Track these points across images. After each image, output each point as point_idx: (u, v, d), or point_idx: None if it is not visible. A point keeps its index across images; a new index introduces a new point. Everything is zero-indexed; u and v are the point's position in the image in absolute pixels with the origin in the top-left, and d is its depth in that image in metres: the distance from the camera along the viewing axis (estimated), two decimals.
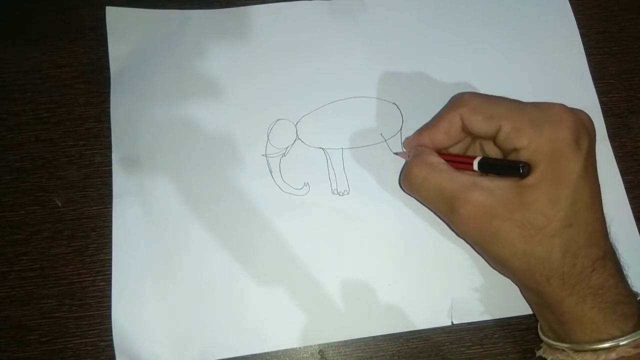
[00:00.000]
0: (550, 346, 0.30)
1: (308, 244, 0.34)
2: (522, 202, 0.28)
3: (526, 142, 0.28)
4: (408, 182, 0.32)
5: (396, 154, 0.36)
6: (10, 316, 0.33)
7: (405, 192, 0.34)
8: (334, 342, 0.33)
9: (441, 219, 0.33)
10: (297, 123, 0.36)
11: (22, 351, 0.33)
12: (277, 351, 0.33)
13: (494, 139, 0.30)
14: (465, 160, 0.31)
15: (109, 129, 0.36)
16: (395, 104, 0.37)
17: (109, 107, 0.36)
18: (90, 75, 0.37)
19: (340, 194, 0.35)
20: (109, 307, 0.33)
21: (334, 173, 0.35)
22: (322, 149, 0.36)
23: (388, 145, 0.36)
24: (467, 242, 0.32)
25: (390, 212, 0.35)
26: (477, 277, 0.34)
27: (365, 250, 0.34)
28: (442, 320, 0.33)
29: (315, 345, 0.33)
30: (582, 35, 0.39)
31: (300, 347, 0.33)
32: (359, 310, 0.33)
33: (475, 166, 0.30)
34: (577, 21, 0.40)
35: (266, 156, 0.36)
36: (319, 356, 0.33)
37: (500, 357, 0.33)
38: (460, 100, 0.31)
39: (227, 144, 0.36)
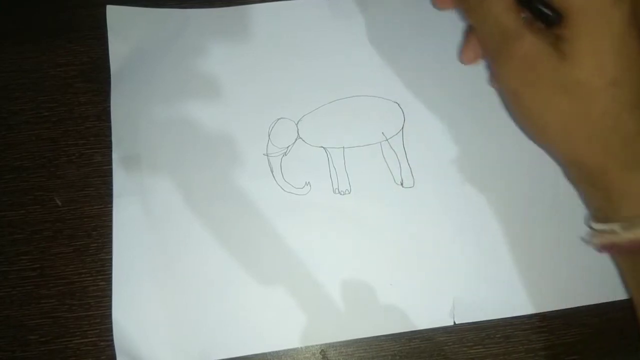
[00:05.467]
0: (598, 231, 0.29)
1: (309, 243, 0.34)
2: (563, 55, 0.26)
3: None
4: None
5: None
6: (10, 316, 0.33)
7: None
8: (336, 342, 0.33)
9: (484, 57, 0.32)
10: (298, 122, 0.36)
11: (22, 351, 0.33)
12: (279, 351, 0.32)
13: None
14: None
15: (110, 128, 0.36)
16: (396, 102, 0.37)
17: (110, 106, 0.36)
18: (91, 74, 0.37)
19: (342, 193, 0.35)
20: (109, 307, 0.33)
21: (335, 172, 0.35)
22: (324, 148, 0.36)
23: (390, 144, 0.36)
24: (503, 99, 0.32)
25: (392, 211, 0.35)
26: (479, 277, 0.34)
27: (367, 249, 0.34)
28: (444, 320, 0.33)
29: (316, 345, 0.33)
30: None
31: (301, 347, 0.33)
32: (360, 310, 0.33)
33: None
34: None
35: (267, 155, 0.36)
36: (321, 356, 0.33)
37: (502, 357, 0.33)
38: None
39: (228, 143, 0.36)
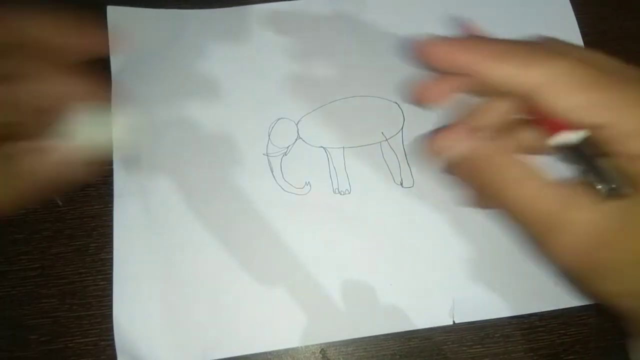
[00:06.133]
0: None
1: (309, 243, 0.34)
2: (637, 227, 0.20)
3: (635, 151, 0.20)
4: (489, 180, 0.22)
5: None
6: (11, 316, 0.33)
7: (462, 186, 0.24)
8: (335, 342, 0.33)
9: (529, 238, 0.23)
10: (298, 122, 0.36)
11: (22, 351, 0.33)
12: (279, 350, 0.33)
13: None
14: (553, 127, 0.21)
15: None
16: (396, 102, 0.37)
17: (110, 106, 0.36)
18: (91, 74, 0.37)
19: (342, 193, 0.35)
20: (110, 307, 0.33)
21: (335, 172, 0.35)
22: (323, 148, 0.36)
23: (389, 144, 0.36)
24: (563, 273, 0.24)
25: (392, 211, 0.35)
26: (478, 276, 0.34)
27: (367, 249, 0.34)
28: (443, 319, 0.33)
29: (316, 345, 0.33)
30: (583, 35, 0.39)
31: (301, 347, 0.33)
32: (360, 309, 0.33)
33: (556, 142, 0.21)
34: (577, 21, 0.40)
35: (267, 155, 0.36)
36: (320, 355, 0.33)
37: (501, 357, 0.33)
38: (548, 66, 0.20)
39: (228, 143, 0.36)
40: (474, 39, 0.22)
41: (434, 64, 0.22)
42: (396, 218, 0.34)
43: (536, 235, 0.22)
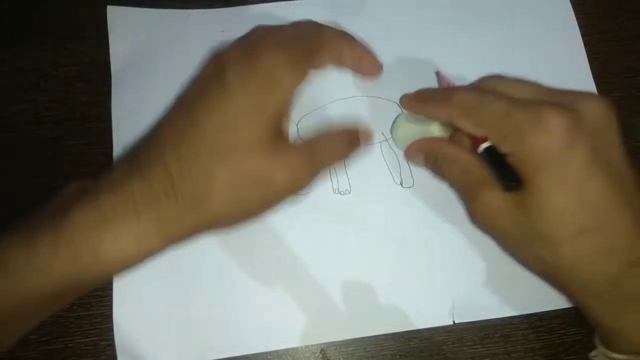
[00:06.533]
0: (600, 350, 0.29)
1: (309, 243, 0.34)
2: (524, 209, 0.27)
3: (511, 151, 0.27)
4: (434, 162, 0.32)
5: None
6: None
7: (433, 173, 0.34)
8: (335, 342, 0.33)
9: None
10: (298, 122, 0.36)
11: (22, 351, 0.33)
12: (279, 350, 0.33)
13: None
14: (476, 142, 0.29)
15: (111, 128, 0.36)
16: (396, 103, 0.37)
17: (110, 106, 0.36)
18: (92, 75, 0.37)
19: (342, 193, 0.35)
20: (110, 306, 0.33)
21: (335, 172, 0.35)
22: None
23: (389, 144, 0.36)
24: None
25: (392, 211, 0.35)
26: (478, 276, 0.34)
27: (367, 249, 0.34)
28: (443, 319, 0.33)
29: (316, 345, 0.33)
30: (583, 35, 0.39)
31: (301, 347, 0.33)
32: (360, 309, 0.33)
33: (481, 149, 0.29)
34: (577, 21, 0.40)
35: None
36: (320, 355, 0.33)
37: (501, 357, 0.33)
38: (452, 100, 0.29)
39: None
40: (441, 95, 0.31)
41: (411, 110, 0.33)
42: (396, 218, 0.35)
43: (463, 200, 0.32)
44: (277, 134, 0.27)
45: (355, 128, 0.31)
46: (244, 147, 0.25)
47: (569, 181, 0.25)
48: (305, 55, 0.28)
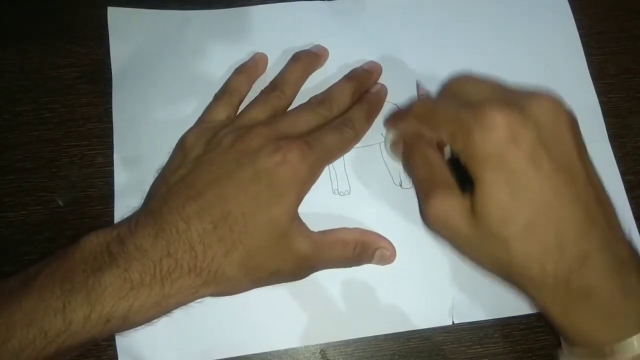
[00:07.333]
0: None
1: None
2: (474, 208, 0.27)
3: (459, 149, 0.27)
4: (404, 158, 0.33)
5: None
6: None
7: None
8: (335, 342, 0.33)
9: None
10: None
11: None
12: (279, 351, 0.33)
13: None
14: (440, 146, 0.31)
15: (111, 129, 0.36)
16: (396, 104, 0.37)
17: (111, 107, 0.37)
18: (92, 76, 0.37)
19: (341, 193, 0.35)
20: None
21: (334, 173, 0.36)
22: None
23: None
24: None
25: (391, 211, 0.35)
26: (477, 276, 0.34)
27: None
28: (442, 319, 0.33)
29: (316, 345, 0.33)
30: (582, 36, 0.39)
31: (301, 347, 0.33)
32: (359, 309, 0.33)
33: (447, 155, 0.30)
34: (576, 21, 0.40)
35: None
36: (320, 356, 0.33)
37: (500, 357, 0.33)
38: (411, 111, 0.31)
39: None
40: (405, 109, 0.33)
41: (389, 128, 0.35)
42: (395, 218, 0.35)
43: (419, 200, 0.33)
44: (295, 218, 0.30)
45: (376, 244, 0.33)
46: (262, 235, 0.29)
47: (513, 176, 0.26)
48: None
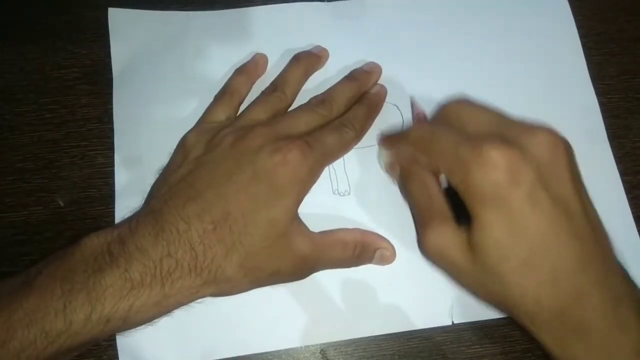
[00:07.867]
0: None
1: None
2: (471, 243, 0.27)
3: (458, 184, 0.27)
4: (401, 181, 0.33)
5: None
6: None
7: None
8: (335, 342, 0.33)
9: None
10: None
11: None
12: (279, 350, 0.33)
13: None
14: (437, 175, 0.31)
15: (112, 129, 0.36)
16: (395, 105, 0.37)
17: (112, 108, 0.37)
18: (93, 77, 0.38)
19: (341, 194, 0.35)
20: None
21: (334, 173, 0.36)
22: None
23: None
24: None
25: (391, 212, 0.35)
26: None
27: None
28: (442, 319, 0.33)
29: (316, 345, 0.33)
30: (581, 36, 0.39)
31: (301, 347, 0.33)
32: (359, 309, 0.33)
33: (443, 184, 0.30)
34: (576, 22, 0.40)
35: None
36: (320, 355, 0.33)
37: (500, 357, 0.33)
38: (408, 137, 0.31)
39: None
40: (402, 132, 0.33)
41: (384, 147, 0.34)
42: (395, 219, 0.35)
43: (417, 226, 0.32)
44: (294, 219, 0.30)
45: (375, 244, 0.33)
46: (262, 235, 0.29)
47: (511, 216, 0.26)
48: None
